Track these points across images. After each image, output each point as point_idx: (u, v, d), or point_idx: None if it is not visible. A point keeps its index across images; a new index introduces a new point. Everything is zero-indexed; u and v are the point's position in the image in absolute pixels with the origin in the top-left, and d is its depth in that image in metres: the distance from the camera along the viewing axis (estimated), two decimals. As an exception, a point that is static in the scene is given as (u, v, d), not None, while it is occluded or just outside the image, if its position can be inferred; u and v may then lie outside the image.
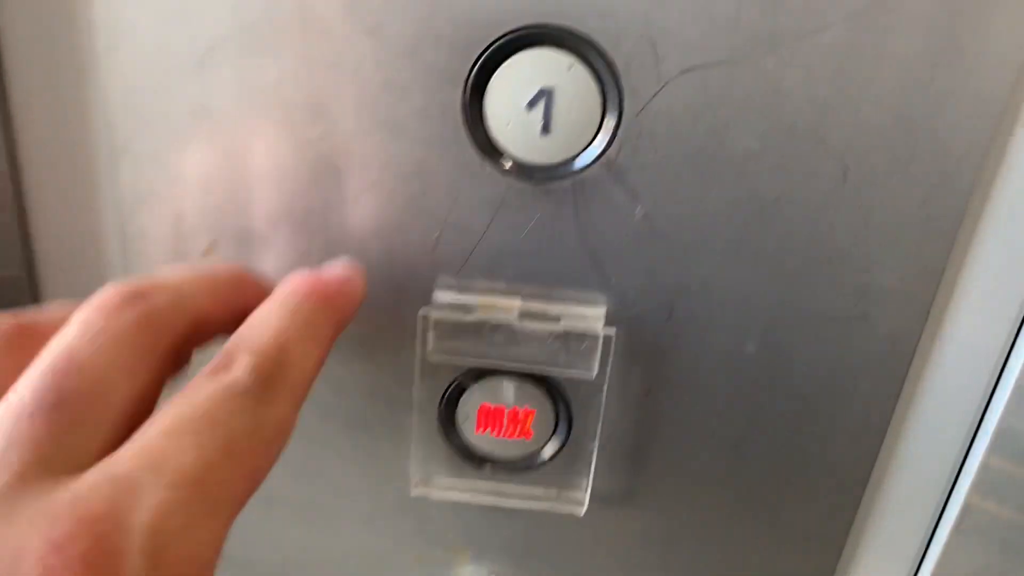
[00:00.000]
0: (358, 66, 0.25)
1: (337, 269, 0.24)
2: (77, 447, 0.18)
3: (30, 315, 0.21)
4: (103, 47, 0.25)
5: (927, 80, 0.24)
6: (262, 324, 0.21)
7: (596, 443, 0.29)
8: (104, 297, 0.20)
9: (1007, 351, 0.26)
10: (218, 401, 0.19)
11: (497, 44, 0.24)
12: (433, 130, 0.25)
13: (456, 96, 0.25)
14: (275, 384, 0.20)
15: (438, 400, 0.29)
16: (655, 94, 0.24)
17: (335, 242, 0.27)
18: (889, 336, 0.27)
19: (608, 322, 0.28)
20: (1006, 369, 0.26)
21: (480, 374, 0.29)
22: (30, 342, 0.20)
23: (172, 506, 0.17)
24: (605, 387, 0.28)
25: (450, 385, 0.29)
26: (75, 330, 0.19)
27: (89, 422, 0.18)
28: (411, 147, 0.26)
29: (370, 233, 0.27)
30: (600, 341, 0.27)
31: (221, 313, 0.23)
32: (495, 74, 0.25)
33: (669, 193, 0.26)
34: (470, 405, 0.29)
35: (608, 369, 0.28)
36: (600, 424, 0.29)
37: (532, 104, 0.25)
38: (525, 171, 0.26)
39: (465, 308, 0.27)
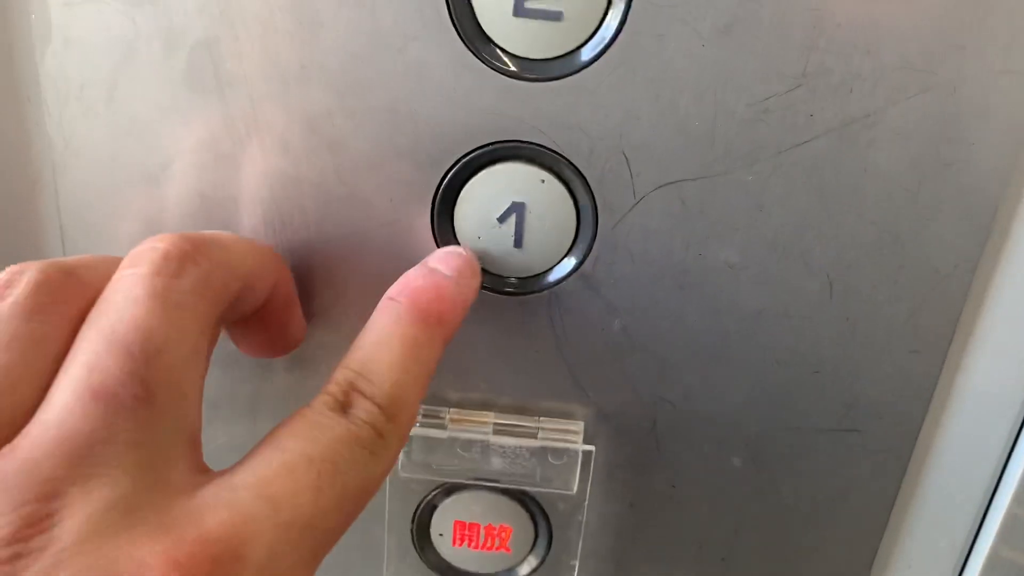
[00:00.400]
0: (320, 180, 0.24)
1: (452, 267, 0.23)
2: (173, 449, 0.17)
3: (72, 263, 0.19)
4: (58, 160, 0.24)
5: (913, 193, 0.23)
6: (381, 358, 0.20)
7: (577, 559, 0.28)
8: (159, 253, 0.18)
9: (1000, 469, 0.25)
10: (340, 449, 0.18)
11: (466, 159, 0.23)
12: (400, 243, 0.24)
13: (424, 209, 0.24)
14: (390, 436, 0.20)
15: (410, 516, 0.28)
16: (630, 208, 0.23)
17: (300, 355, 0.26)
18: (881, 450, 0.26)
19: (588, 434, 0.26)
20: (997, 492, 0.25)
21: (453, 488, 0.27)
22: (76, 293, 0.18)
23: (284, 546, 0.17)
24: (586, 502, 0.27)
25: (422, 501, 0.27)
26: (139, 297, 0.18)
27: (178, 418, 0.17)
28: (378, 260, 0.25)
29: (338, 346, 0.26)
30: (579, 456, 0.26)
31: (261, 284, 0.22)
32: (465, 188, 0.24)
33: (648, 306, 0.25)
34: (444, 522, 0.28)
35: (588, 484, 0.26)
36: (581, 539, 0.28)
37: (503, 218, 0.24)
38: (497, 283, 0.25)
39: (437, 422, 0.26)
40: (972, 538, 0.26)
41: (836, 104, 0.22)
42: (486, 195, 0.24)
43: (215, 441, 0.27)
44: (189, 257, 0.19)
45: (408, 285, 0.22)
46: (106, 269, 0.19)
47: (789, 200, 0.23)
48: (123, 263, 0.19)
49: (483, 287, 0.25)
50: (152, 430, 0.17)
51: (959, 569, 0.27)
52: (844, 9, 0.21)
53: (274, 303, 0.23)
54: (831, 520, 0.27)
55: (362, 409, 0.19)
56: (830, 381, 0.25)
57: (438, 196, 0.24)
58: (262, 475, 0.17)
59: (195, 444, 0.18)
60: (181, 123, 0.23)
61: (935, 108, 0.22)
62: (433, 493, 0.27)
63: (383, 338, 0.21)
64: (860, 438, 0.26)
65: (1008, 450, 0.25)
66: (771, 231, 0.23)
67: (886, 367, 0.25)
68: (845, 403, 0.25)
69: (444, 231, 0.24)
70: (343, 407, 0.19)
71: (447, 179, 0.23)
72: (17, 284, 0.18)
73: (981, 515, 0.26)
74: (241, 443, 0.27)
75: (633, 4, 0.21)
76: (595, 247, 0.24)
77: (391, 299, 0.22)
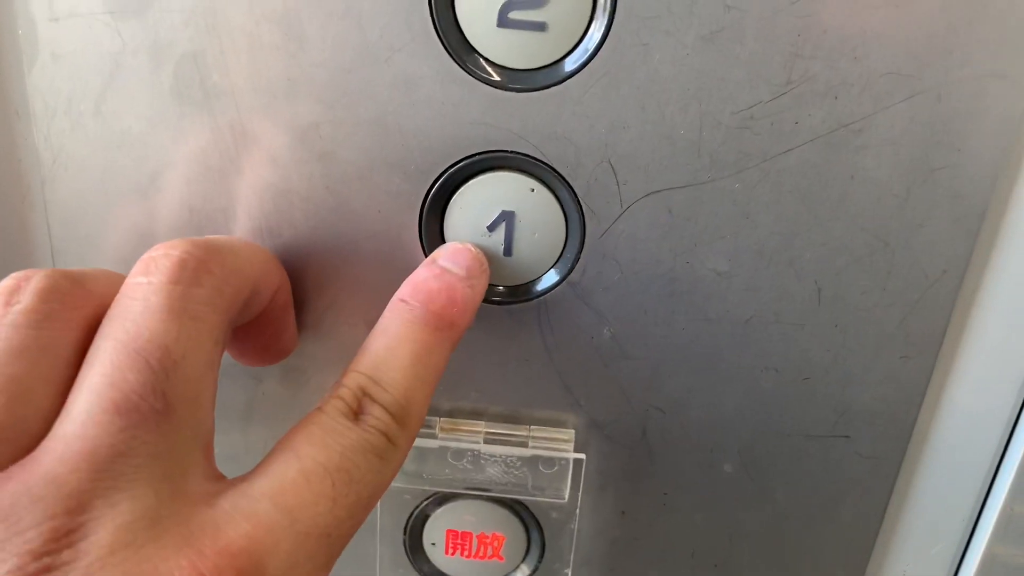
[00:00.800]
0: (309, 191, 0.24)
1: (462, 265, 0.22)
2: (190, 458, 0.17)
3: (76, 271, 0.19)
4: (47, 175, 0.24)
5: (901, 198, 0.23)
6: (393, 364, 0.20)
7: (570, 567, 0.28)
8: (174, 260, 0.18)
9: (993, 471, 0.25)
10: (354, 457, 0.19)
11: (455, 168, 0.23)
12: (389, 253, 0.24)
13: (412, 219, 0.24)
14: (400, 442, 0.20)
15: (403, 526, 0.28)
16: (618, 217, 0.23)
17: (291, 365, 0.26)
18: (872, 456, 0.26)
19: (579, 442, 0.26)
20: (990, 496, 0.25)
21: (445, 497, 0.27)
22: (83, 300, 0.18)
23: (302, 556, 0.17)
24: (577, 510, 0.27)
25: (414, 511, 0.27)
26: (156, 307, 0.17)
27: (194, 428, 0.18)
28: (367, 270, 0.25)
29: (329, 356, 0.26)
30: (570, 465, 0.26)
31: (266, 290, 0.22)
32: (454, 197, 0.24)
33: (637, 314, 0.25)
34: (436, 531, 0.28)
35: (580, 492, 0.26)
36: (573, 548, 0.28)
37: (493, 227, 0.24)
38: (487, 292, 0.25)
39: (427, 432, 0.26)
40: (965, 544, 0.26)
41: (822, 111, 0.22)
42: (476, 204, 0.24)
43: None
44: (204, 265, 0.19)
45: (420, 288, 0.22)
46: (109, 281, 0.19)
47: (776, 207, 0.23)
48: (136, 269, 0.19)
49: (472, 296, 0.25)
50: (171, 441, 0.17)
51: (955, 568, 0.27)
52: (829, 15, 0.21)
53: (273, 309, 0.23)
54: (824, 526, 0.27)
55: (374, 416, 0.20)
56: (821, 387, 0.25)
57: (426, 206, 0.24)
58: (279, 484, 0.18)
59: (209, 452, 0.19)
60: (169, 136, 0.23)
61: (922, 113, 0.22)
62: (425, 502, 0.27)
63: (394, 342, 0.21)
64: (851, 444, 0.26)
65: (999, 456, 0.25)
66: (759, 238, 0.23)
67: (877, 373, 0.25)
68: (836, 409, 0.25)
69: (433, 241, 0.24)
70: (355, 413, 0.19)
71: (435, 189, 0.23)
72: (24, 291, 0.18)
73: (973, 521, 0.26)
74: (234, 452, 0.27)
75: (617, 14, 0.21)
76: (583, 256, 0.24)
77: (403, 301, 0.22)
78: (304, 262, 0.25)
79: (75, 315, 0.18)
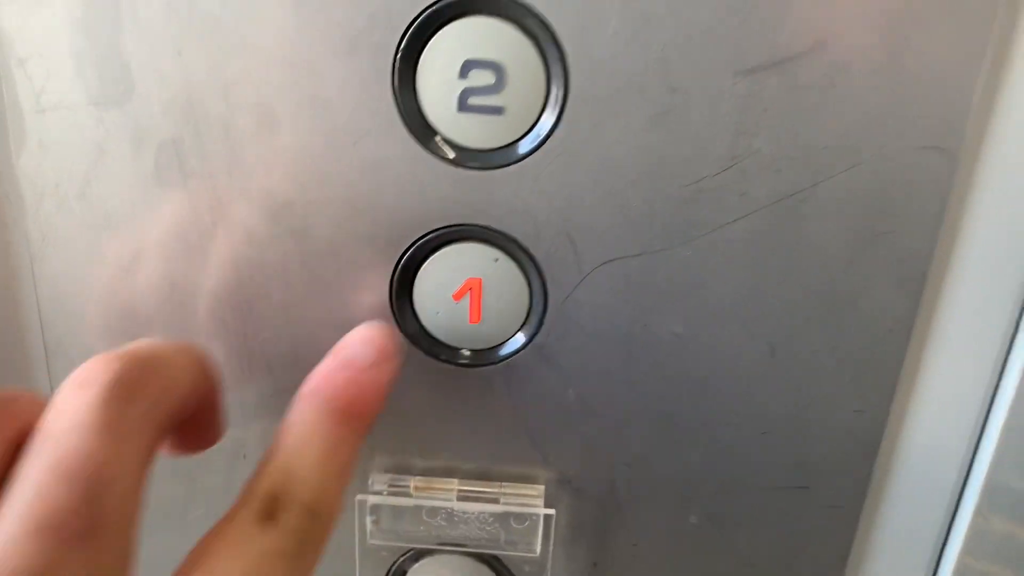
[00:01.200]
0: (284, 266, 0.25)
1: (370, 355, 0.22)
2: None
3: (4, 395, 0.18)
4: (36, 253, 0.25)
5: (847, 262, 0.24)
6: (303, 463, 0.20)
7: (544, 618, 0.29)
8: (112, 375, 0.18)
9: (950, 517, 0.26)
10: (268, 565, 0.18)
11: (422, 241, 0.24)
12: (362, 321, 0.25)
13: (383, 289, 0.25)
14: (317, 535, 0.20)
15: (381, 582, 0.29)
16: (578, 284, 0.25)
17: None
18: (831, 505, 0.27)
19: (549, 497, 0.27)
20: (950, 537, 0.26)
21: (421, 553, 0.28)
22: (9, 425, 0.18)
23: None
24: (549, 563, 0.28)
25: (392, 567, 0.28)
26: (90, 426, 0.17)
27: (121, 550, 0.17)
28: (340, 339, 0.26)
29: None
30: (541, 520, 0.27)
31: (196, 399, 0.21)
32: (422, 267, 0.25)
33: (600, 374, 0.26)
34: (414, 586, 0.29)
35: (551, 546, 0.27)
36: (547, 599, 0.28)
37: (460, 295, 0.25)
38: (455, 356, 0.26)
39: (402, 491, 0.27)
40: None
41: (766, 183, 0.23)
42: (443, 274, 0.25)
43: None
44: (140, 383, 0.18)
45: (326, 381, 0.21)
46: (32, 404, 0.19)
47: (727, 272, 0.24)
48: (70, 380, 0.18)
49: (442, 360, 0.26)
50: (96, 563, 0.16)
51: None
52: (769, 95, 0.22)
53: (200, 411, 0.22)
54: (789, 573, 0.28)
55: (288, 518, 0.19)
56: (779, 441, 0.26)
57: (395, 277, 0.25)
58: None
59: (131, 572, 0.18)
60: (151, 216, 0.24)
61: (862, 184, 0.23)
62: (402, 558, 0.28)
63: (304, 440, 0.21)
64: (811, 494, 0.27)
65: (955, 501, 0.26)
66: (712, 302, 0.24)
67: (832, 427, 0.26)
68: (794, 462, 0.26)
69: (403, 310, 0.25)
70: (269, 514, 0.19)
71: (403, 261, 0.25)
72: None
73: (935, 565, 0.27)
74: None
75: (569, 99, 0.22)
76: (547, 321, 0.25)
77: (311, 395, 0.21)
78: (280, 333, 0.26)
79: (6, 433, 0.18)
